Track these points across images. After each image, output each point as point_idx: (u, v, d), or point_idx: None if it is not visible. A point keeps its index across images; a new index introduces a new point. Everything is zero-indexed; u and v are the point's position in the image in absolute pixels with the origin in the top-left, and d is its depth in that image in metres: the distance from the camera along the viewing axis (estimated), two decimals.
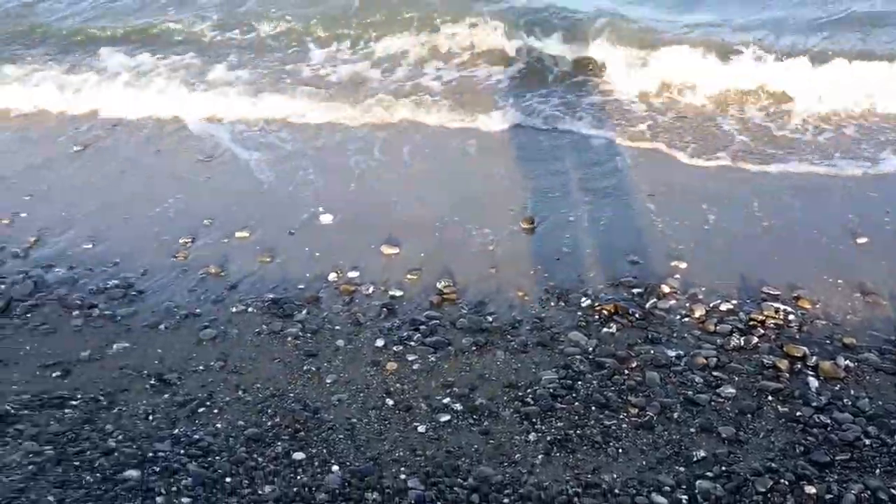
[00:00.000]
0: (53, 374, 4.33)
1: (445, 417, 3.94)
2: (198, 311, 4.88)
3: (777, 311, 4.56)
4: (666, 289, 4.83)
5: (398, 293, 4.96)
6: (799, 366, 4.19)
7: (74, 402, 4.09)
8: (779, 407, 3.92)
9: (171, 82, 8.19)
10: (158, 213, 6.00)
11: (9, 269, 5.36)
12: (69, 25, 9.60)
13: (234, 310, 4.87)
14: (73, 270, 5.33)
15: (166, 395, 4.15)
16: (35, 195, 6.32)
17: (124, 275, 5.26)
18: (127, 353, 4.51)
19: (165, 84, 8.16)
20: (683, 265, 5.05)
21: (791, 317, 4.55)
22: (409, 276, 5.12)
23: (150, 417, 3.98)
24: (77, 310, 4.91)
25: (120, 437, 3.84)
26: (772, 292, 4.75)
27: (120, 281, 5.19)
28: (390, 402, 4.05)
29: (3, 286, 5.14)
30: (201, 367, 4.37)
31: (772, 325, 4.49)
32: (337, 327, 4.68)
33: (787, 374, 4.13)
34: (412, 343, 4.49)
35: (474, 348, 4.43)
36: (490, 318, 4.68)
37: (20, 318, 4.87)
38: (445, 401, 4.04)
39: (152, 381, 4.26)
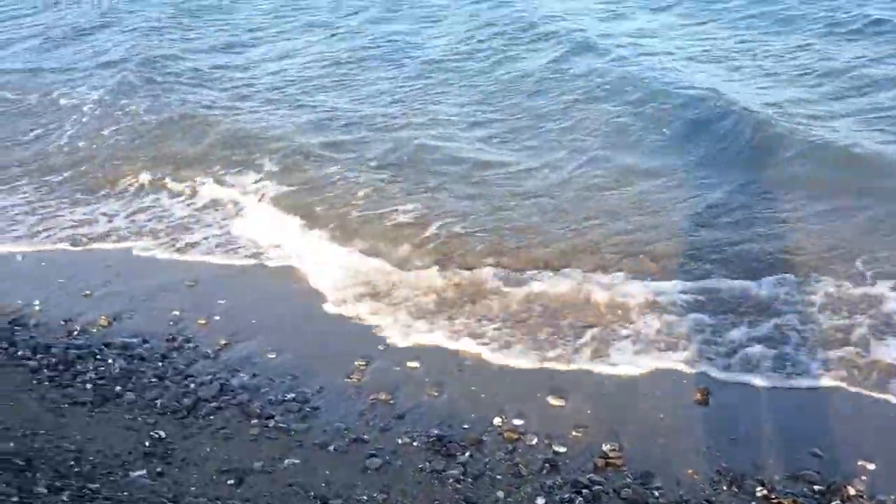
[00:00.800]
0: (228, 482, 4.54)
1: None
2: (365, 436, 5.02)
3: None
4: (851, 490, 4.51)
5: (562, 449, 4.91)
6: None
7: None
8: None
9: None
10: (337, 332, 6.29)
11: (199, 368, 5.76)
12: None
13: (399, 441, 4.98)
14: (256, 378, 5.65)
15: None
16: (228, 300, 6.80)
17: (301, 389, 5.52)
18: (297, 470, 4.68)
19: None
20: (871, 466, 4.71)
21: None
22: (574, 433, 5.05)
23: None
24: (256, 418, 5.17)
25: None
26: None
27: (297, 395, 5.45)
28: None
29: (192, 385, 5.51)
30: (364, 497, 4.45)
31: None
32: (498, 476, 4.67)
33: None
34: None
35: None
36: (656, 494, 4.52)
37: (204, 418, 5.18)
38: None
39: None
